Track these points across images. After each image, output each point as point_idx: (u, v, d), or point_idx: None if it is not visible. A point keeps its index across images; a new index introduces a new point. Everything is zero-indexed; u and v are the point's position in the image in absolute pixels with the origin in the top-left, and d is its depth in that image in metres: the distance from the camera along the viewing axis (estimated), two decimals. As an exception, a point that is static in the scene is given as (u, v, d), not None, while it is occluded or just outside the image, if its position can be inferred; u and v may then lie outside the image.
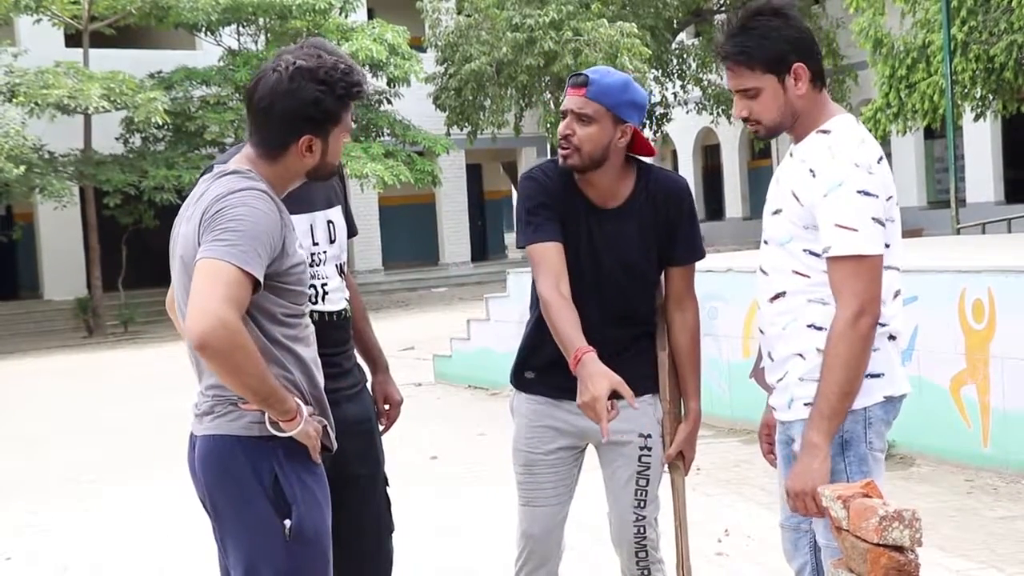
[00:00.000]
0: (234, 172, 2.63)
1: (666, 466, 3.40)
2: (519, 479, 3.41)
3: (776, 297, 2.80)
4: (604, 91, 3.18)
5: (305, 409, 2.62)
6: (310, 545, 2.64)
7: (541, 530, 3.37)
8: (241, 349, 2.43)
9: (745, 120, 2.85)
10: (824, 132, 2.74)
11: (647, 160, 3.38)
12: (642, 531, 3.33)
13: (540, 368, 3.36)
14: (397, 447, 7.90)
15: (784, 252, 2.77)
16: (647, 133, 26.25)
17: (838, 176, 2.64)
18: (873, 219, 2.64)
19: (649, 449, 3.33)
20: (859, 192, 2.63)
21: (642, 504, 3.33)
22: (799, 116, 2.79)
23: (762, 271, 2.87)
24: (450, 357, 11.36)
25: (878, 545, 2.16)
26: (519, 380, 3.43)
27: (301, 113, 2.61)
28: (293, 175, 2.71)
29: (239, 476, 2.60)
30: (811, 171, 2.69)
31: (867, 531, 2.17)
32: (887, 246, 2.70)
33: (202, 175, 2.80)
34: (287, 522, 2.60)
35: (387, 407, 3.39)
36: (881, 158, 2.72)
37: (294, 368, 2.65)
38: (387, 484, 3.33)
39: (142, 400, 11.71)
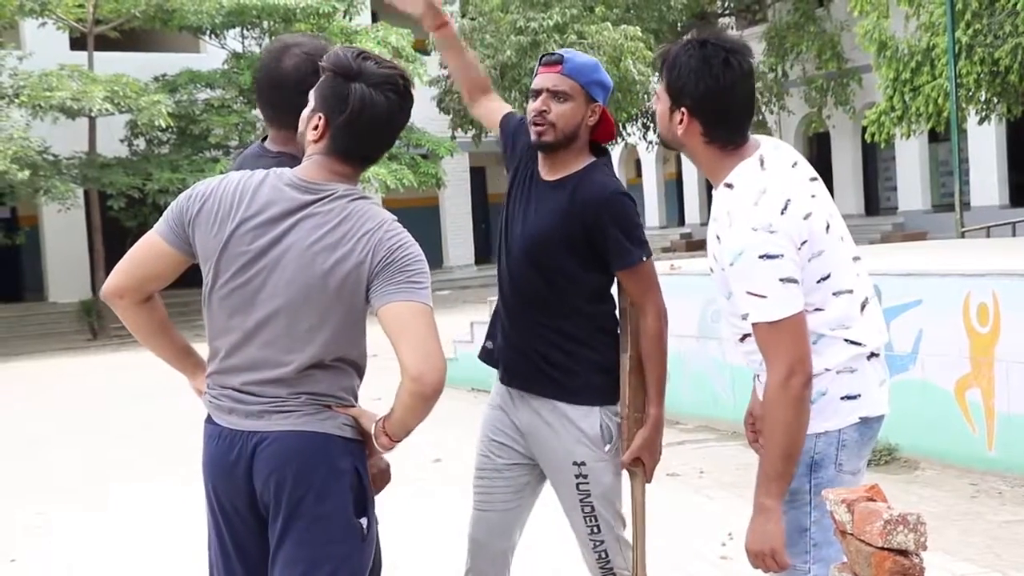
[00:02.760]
0: (362, 198, 2.66)
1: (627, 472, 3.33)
2: (473, 480, 3.43)
3: (744, 337, 2.79)
4: (578, 69, 3.21)
5: None
6: (372, 543, 2.69)
7: (483, 536, 3.36)
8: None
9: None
10: (728, 187, 2.69)
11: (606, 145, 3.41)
12: (604, 556, 3.29)
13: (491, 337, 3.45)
14: (400, 449, 7.86)
15: (729, 304, 2.77)
16: (650, 135, 26.31)
17: (737, 244, 2.60)
18: (781, 280, 2.58)
19: (585, 477, 3.24)
20: (760, 257, 2.58)
21: (595, 530, 3.27)
22: (689, 153, 2.77)
23: (722, 314, 2.88)
24: (454, 359, 11.36)
25: (882, 549, 2.15)
26: (483, 351, 3.51)
27: (407, 119, 2.74)
28: None
29: (333, 473, 2.60)
30: (717, 237, 2.69)
31: (871, 535, 2.17)
32: (826, 277, 2.65)
33: (249, 175, 2.69)
34: (363, 521, 2.64)
35: None
36: (786, 206, 2.61)
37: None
38: None
39: (146, 402, 11.71)
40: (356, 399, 2.69)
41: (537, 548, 4.66)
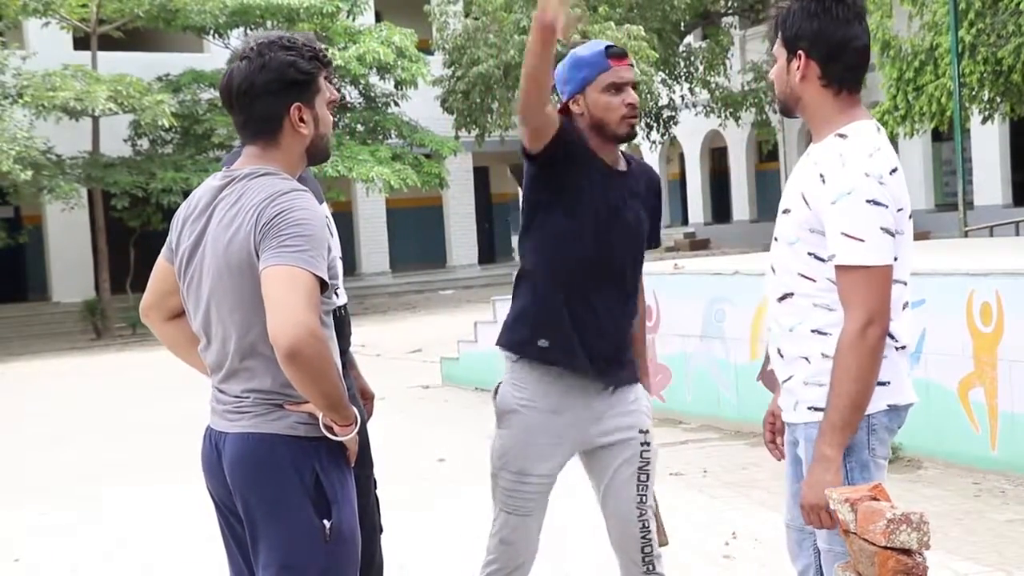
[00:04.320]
0: (266, 174, 2.61)
1: None
2: (507, 485, 3.33)
3: (784, 297, 2.80)
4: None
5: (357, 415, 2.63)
6: (346, 544, 2.63)
7: (522, 538, 3.36)
8: (325, 357, 2.47)
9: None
10: (841, 136, 2.72)
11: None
12: (646, 525, 3.35)
13: (553, 336, 3.28)
14: (404, 449, 7.85)
15: (791, 252, 2.77)
16: (653, 135, 26.36)
17: (847, 184, 2.62)
18: (882, 229, 2.62)
19: (648, 445, 3.37)
20: (868, 202, 2.61)
21: (643, 499, 3.35)
22: (804, 105, 2.79)
23: (772, 269, 2.87)
24: (457, 359, 11.36)
25: (886, 548, 2.16)
26: (528, 349, 3.32)
27: (281, 79, 2.62)
28: (297, 157, 2.70)
29: (281, 475, 2.57)
30: (821, 176, 2.68)
31: (875, 534, 2.17)
32: (894, 259, 2.68)
33: (222, 178, 2.75)
34: (327, 522, 2.58)
35: (363, 403, 3.47)
36: (895, 169, 2.69)
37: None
38: (376, 486, 3.35)
39: (150, 402, 11.73)
40: None
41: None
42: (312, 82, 2.67)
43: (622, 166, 3.38)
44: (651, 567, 3.34)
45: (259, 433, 2.58)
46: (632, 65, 3.31)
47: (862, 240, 2.61)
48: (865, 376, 2.62)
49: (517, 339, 3.35)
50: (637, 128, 3.39)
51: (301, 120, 2.65)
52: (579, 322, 3.27)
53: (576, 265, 3.27)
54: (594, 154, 3.30)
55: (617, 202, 3.31)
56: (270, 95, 2.62)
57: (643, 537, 3.34)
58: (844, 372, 2.62)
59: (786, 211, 2.81)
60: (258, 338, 2.56)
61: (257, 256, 2.52)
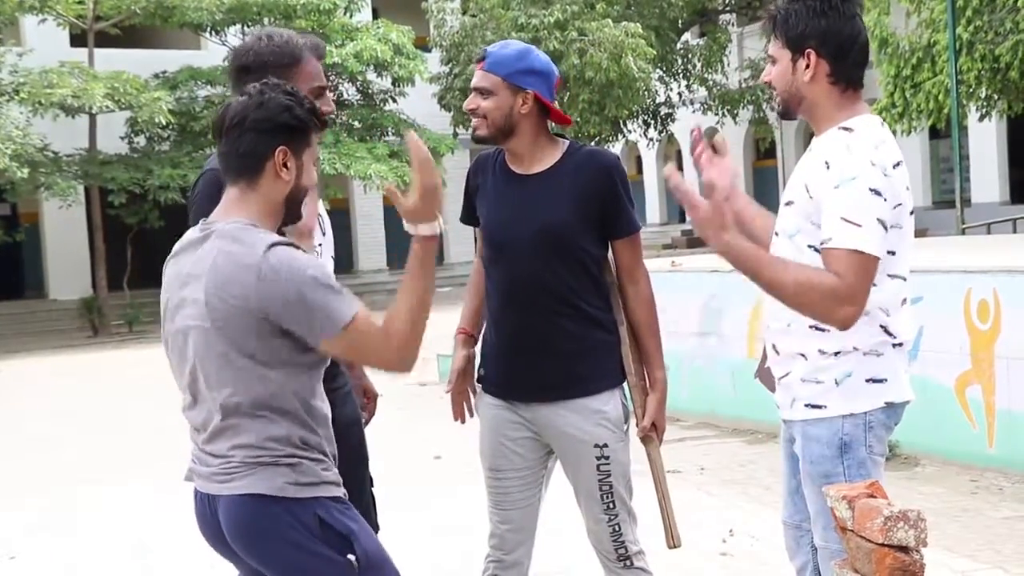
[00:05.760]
0: (237, 239, 2.54)
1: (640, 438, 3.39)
2: (486, 481, 3.40)
3: None
4: (498, 62, 3.23)
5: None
6: (378, 568, 2.60)
7: (510, 533, 3.38)
8: (419, 333, 2.66)
9: (768, 85, 2.87)
10: (846, 129, 2.72)
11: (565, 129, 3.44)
12: (617, 529, 3.33)
13: (485, 364, 3.40)
14: (401, 446, 7.84)
15: (791, 245, 2.76)
16: (651, 132, 26.31)
17: (852, 171, 2.62)
18: (878, 220, 2.60)
19: (607, 458, 3.28)
20: (870, 190, 2.60)
21: (611, 506, 3.32)
22: (809, 104, 2.78)
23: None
24: (452, 357, 11.33)
25: (883, 545, 2.16)
26: (480, 379, 3.47)
27: (273, 120, 2.59)
28: (275, 206, 2.63)
29: (286, 533, 2.54)
30: (826, 163, 2.67)
31: (872, 531, 2.17)
32: (892, 253, 2.67)
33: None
34: (351, 556, 2.55)
35: (366, 401, 3.49)
36: (899, 164, 2.68)
37: (321, 427, 2.63)
38: (372, 484, 3.34)
39: (147, 400, 11.71)
40: (303, 448, 2.58)
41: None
42: (304, 132, 2.63)
43: (539, 167, 3.28)
44: (628, 563, 3.33)
45: (250, 494, 2.55)
46: (487, 70, 3.21)
47: (860, 225, 2.59)
48: (796, 295, 2.59)
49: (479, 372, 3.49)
50: (480, 132, 3.23)
51: (285, 166, 2.60)
52: (501, 347, 3.33)
53: (490, 289, 3.35)
54: (501, 165, 3.32)
55: (515, 211, 3.25)
56: (259, 132, 2.59)
57: (615, 540, 3.33)
58: (795, 277, 2.59)
59: (788, 203, 2.80)
60: (243, 399, 2.55)
61: (274, 330, 2.50)
